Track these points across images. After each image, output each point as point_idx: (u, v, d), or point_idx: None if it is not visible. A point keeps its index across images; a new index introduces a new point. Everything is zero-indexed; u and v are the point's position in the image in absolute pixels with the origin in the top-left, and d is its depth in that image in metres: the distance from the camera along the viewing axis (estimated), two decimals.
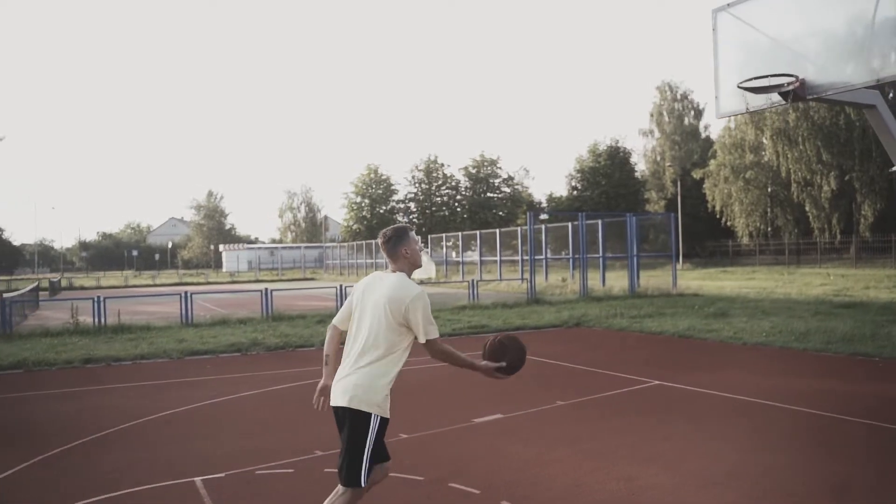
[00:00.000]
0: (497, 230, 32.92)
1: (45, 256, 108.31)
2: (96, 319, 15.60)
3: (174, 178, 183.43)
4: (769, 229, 47.76)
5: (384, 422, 3.58)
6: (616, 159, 63.09)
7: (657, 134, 67.94)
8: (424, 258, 26.68)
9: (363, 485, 3.53)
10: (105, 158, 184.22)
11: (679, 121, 67.14)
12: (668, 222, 23.33)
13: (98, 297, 16.08)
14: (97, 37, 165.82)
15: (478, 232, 36.28)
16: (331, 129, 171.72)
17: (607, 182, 62.09)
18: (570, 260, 24.66)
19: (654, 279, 24.92)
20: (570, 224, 26.77)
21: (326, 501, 3.64)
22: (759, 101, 5.92)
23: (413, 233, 3.78)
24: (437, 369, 9.64)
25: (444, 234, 41.31)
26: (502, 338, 3.98)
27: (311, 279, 55.43)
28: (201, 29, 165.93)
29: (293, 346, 12.92)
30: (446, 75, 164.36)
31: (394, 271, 3.74)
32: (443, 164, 71.45)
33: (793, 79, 5.40)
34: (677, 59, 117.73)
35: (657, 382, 8.48)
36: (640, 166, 68.13)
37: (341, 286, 18.44)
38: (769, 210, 46.87)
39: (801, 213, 44.60)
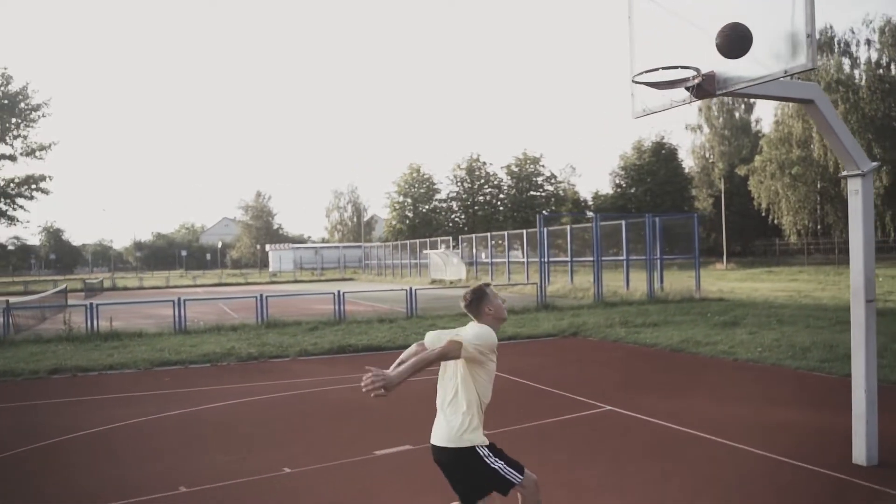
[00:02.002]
0: (524, 231, 32.02)
1: (105, 256, 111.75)
2: (88, 326, 15.50)
3: (228, 179, 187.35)
4: (819, 227, 45.45)
5: (491, 446, 3.66)
6: (661, 155, 61.32)
7: (706, 129, 65.78)
8: (454, 259, 26.20)
9: (518, 482, 3.63)
10: (162, 161, 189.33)
11: (729, 115, 64.85)
12: (692, 223, 22.12)
13: (91, 304, 16.00)
14: (152, 41, 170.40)
15: (505, 233, 35.43)
16: (376, 128, 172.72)
17: (652, 179, 60.42)
18: (595, 263, 23.68)
19: (678, 283, 23.74)
20: (591, 225, 25.79)
21: None
22: (657, 99, 5.13)
23: (491, 288, 3.90)
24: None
25: (473, 235, 40.51)
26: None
27: (350, 279, 55.49)
28: (251, 33, 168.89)
29: (266, 357, 12.51)
30: (490, 73, 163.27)
31: None
32: (485, 163, 70.73)
33: (694, 72, 4.62)
34: None
35: (609, 408, 7.71)
36: (689, 162, 66.12)
37: (339, 292, 18.00)
38: (818, 207, 44.58)
39: None
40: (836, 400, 7.82)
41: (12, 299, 28.44)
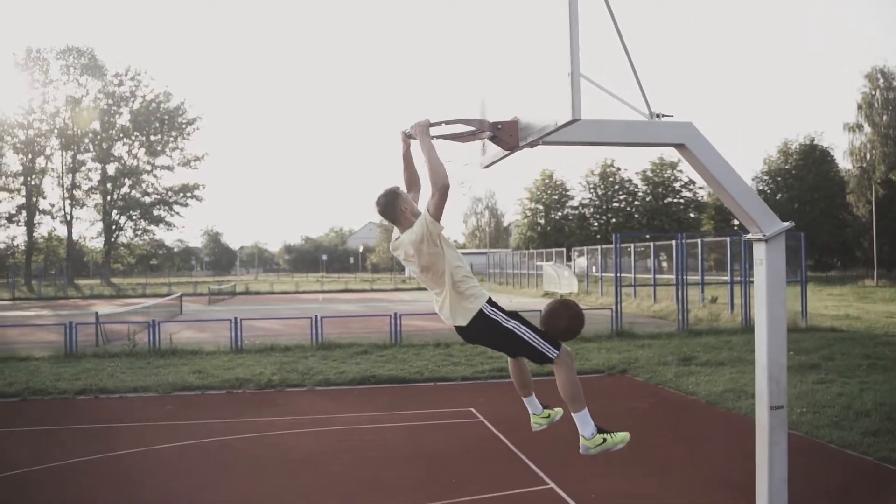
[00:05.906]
0: (633, 245, 30.17)
1: (260, 258, 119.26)
2: (151, 343, 16.05)
3: (375, 183, 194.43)
4: None
5: (492, 303, 4.20)
6: (811, 159, 56.11)
7: (867, 128, 59.37)
8: (565, 272, 25.07)
9: (556, 354, 4.28)
10: (315, 165, 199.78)
11: (894, 112, 58.16)
12: (799, 241, 19.61)
13: (153, 321, 16.62)
14: (300, 52, 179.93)
15: (615, 246, 33.47)
16: None
17: (799, 185, 55.46)
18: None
19: (795, 306, 21.23)
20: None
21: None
22: (463, 153, 4.20)
23: (400, 188, 4.22)
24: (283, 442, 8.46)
25: (582, 247, 38.85)
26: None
27: None
28: (392, 41, 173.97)
29: (285, 386, 12.30)
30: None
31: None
32: (619, 169, 68.27)
33: (468, 127, 3.67)
34: (890, 41, 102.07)
35: (551, 486, 6.67)
36: (845, 165, 60.05)
37: (395, 314, 17.51)
38: None
39: None
40: (845, 496, 6.32)
41: (153, 302, 30.69)
